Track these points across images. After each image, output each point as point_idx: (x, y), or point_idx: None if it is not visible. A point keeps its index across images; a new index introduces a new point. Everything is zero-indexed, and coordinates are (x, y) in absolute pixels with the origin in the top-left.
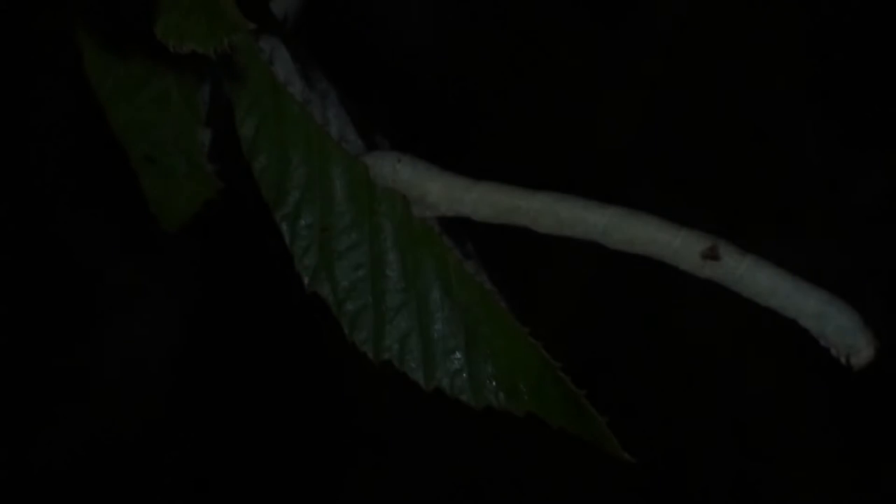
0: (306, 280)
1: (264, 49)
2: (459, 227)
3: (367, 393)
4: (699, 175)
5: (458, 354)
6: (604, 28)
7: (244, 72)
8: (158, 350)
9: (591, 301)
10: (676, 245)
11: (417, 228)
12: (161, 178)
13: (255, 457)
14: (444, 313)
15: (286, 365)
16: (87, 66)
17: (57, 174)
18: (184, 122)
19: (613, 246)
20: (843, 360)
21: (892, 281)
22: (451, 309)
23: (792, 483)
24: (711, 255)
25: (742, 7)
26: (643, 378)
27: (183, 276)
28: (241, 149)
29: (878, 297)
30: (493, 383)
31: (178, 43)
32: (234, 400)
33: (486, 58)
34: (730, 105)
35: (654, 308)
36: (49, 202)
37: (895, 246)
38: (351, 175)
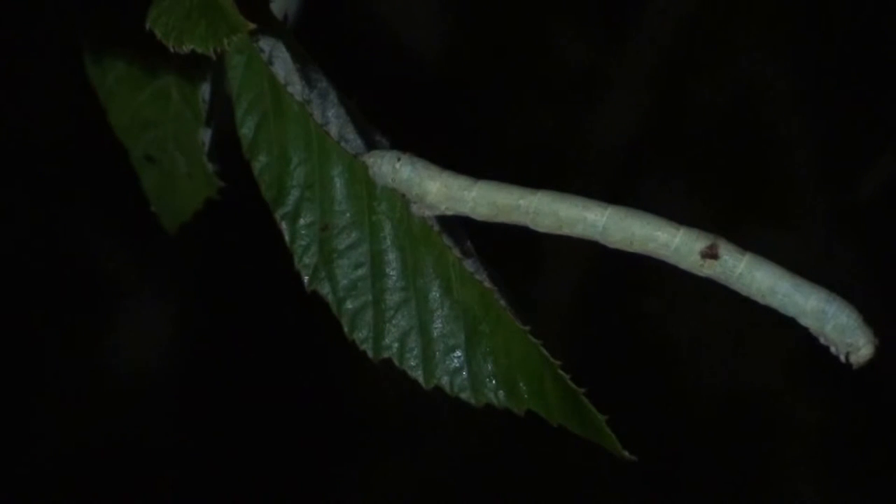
0: (306, 279)
1: (264, 49)
2: (459, 226)
3: (367, 392)
4: (698, 173)
5: (457, 353)
6: (605, 27)
7: (244, 72)
8: (157, 349)
9: (590, 299)
10: (675, 244)
11: (417, 227)
12: (161, 178)
13: (255, 456)
14: (443, 312)
15: (286, 364)
16: (87, 65)
17: (57, 174)
18: (184, 122)
19: (612, 245)
20: (842, 358)
21: (892, 279)
22: (451, 307)
23: (791, 481)
24: (710, 253)
25: (742, 7)
26: (642, 376)
27: (183, 276)
28: (241, 148)
29: (878, 295)
30: (493, 381)
31: (178, 43)
32: (233, 399)
33: (487, 56)
34: (729, 103)
35: (654, 306)
36: (49, 202)
37: (895, 244)
38: (351, 174)
